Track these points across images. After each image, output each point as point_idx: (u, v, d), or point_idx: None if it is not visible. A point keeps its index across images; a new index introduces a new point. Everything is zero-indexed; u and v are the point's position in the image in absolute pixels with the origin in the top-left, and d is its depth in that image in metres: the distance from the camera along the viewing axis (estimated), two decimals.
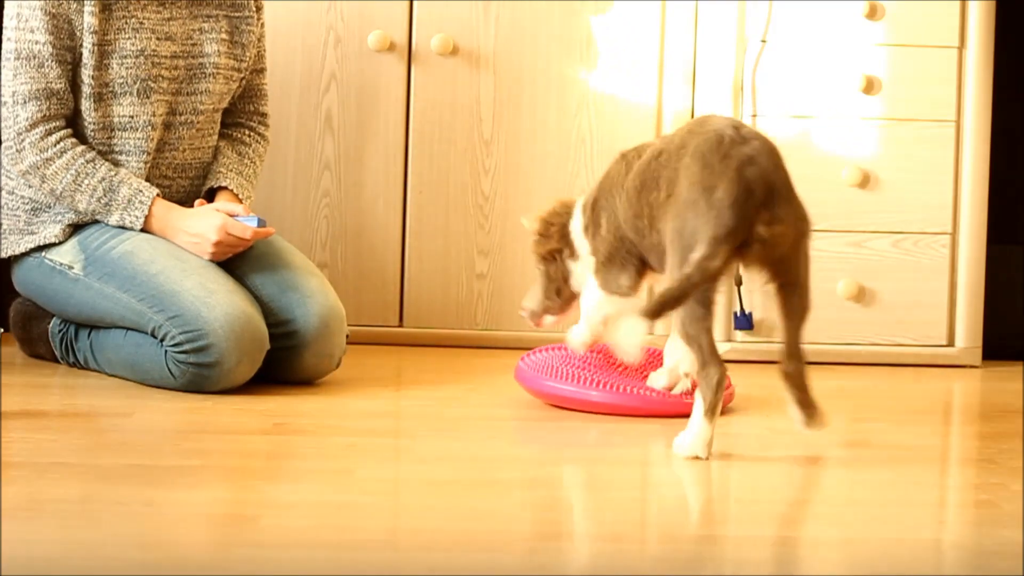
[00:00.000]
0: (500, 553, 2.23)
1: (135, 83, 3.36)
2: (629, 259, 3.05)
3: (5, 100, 3.33)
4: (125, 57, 3.35)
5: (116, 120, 3.37)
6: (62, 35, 3.32)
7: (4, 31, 3.36)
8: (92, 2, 3.31)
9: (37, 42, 3.31)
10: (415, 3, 3.90)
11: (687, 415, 3.01)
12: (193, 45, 3.42)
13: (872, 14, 3.82)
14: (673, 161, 2.84)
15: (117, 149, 3.38)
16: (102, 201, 3.32)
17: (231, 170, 3.48)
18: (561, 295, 3.22)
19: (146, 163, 3.39)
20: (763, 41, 3.82)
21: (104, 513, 2.35)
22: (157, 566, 2.12)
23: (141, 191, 3.34)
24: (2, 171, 3.43)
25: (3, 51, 3.35)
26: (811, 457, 2.90)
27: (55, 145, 3.32)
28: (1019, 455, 2.89)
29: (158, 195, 3.35)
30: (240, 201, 3.45)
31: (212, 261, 3.32)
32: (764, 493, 2.67)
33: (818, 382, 3.21)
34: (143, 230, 3.34)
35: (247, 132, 3.56)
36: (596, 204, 3.10)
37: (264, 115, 3.60)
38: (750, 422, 3.13)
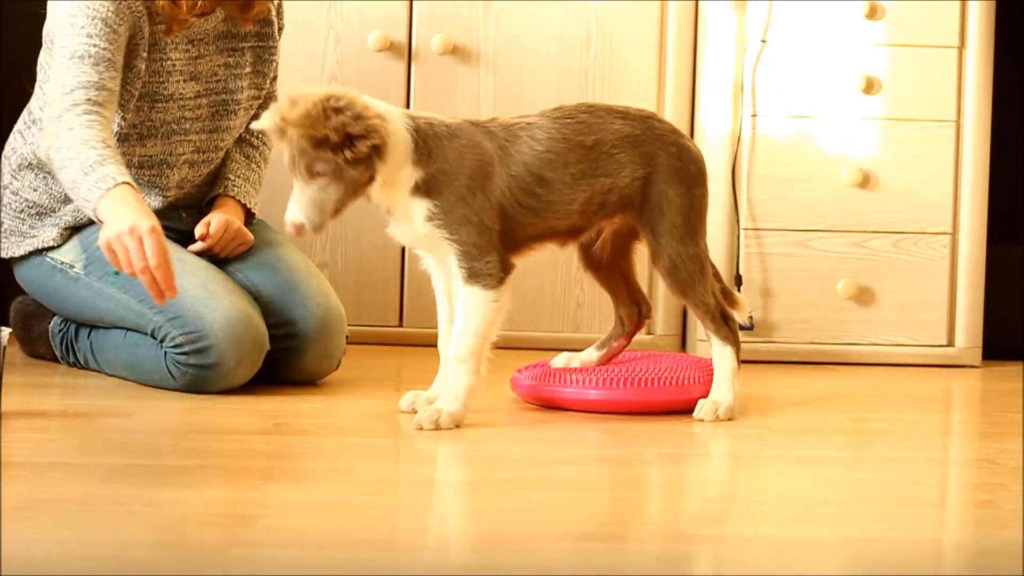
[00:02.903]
0: (500, 553, 2.23)
1: (161, 127, 3.34)
2: (496, 244, 3.00)
3: (51, 96, 3.16)
4: (156, 102, 3.32)
5: (137, 159, 3.34)
6: (118, 49, 3.19)
7: (56, 42, 3.19)
8: (144, 43, 3.24)
9: (96, 45, 3.16)
10: (415, 3, 3.90)
11: (687, 409, 3.01)
12: (217, 82, 3.39)
13: (872, 14, 3.82)
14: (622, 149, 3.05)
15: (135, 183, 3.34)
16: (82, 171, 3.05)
17: (239, 176, 3.47)
18: (348, 204, 2.95)
19: (165, 198, 3.38)
20: (763, 41, 3.82)
21: (104, 513, 2.35)
22: (157, 566, 2.12)
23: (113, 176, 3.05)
24: (5, 173, 3.43)
25: (56, 58, 3.17)
26: (811, 457, 2.90)
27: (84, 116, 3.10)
28: (1019, 455, 2.89)
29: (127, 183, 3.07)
30: (244, 208, 3.44)
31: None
32: (764, 493, 2.67)
33: (818, 382, 3.21)
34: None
35: (255, 133, 3.54)
36: (437, 163, 2.96)
37: None
38: (750, 422, 3.13)
